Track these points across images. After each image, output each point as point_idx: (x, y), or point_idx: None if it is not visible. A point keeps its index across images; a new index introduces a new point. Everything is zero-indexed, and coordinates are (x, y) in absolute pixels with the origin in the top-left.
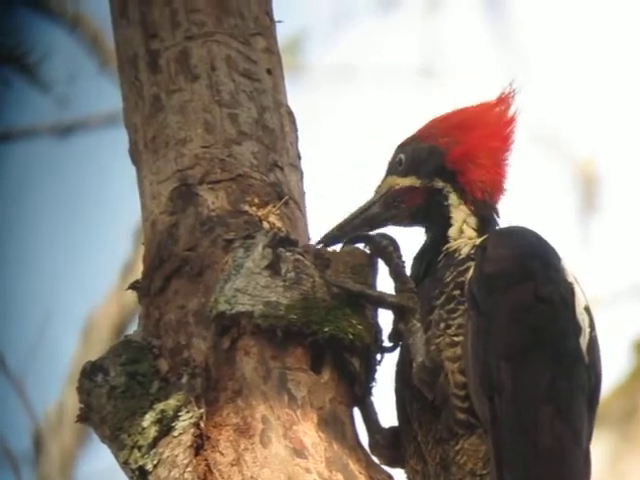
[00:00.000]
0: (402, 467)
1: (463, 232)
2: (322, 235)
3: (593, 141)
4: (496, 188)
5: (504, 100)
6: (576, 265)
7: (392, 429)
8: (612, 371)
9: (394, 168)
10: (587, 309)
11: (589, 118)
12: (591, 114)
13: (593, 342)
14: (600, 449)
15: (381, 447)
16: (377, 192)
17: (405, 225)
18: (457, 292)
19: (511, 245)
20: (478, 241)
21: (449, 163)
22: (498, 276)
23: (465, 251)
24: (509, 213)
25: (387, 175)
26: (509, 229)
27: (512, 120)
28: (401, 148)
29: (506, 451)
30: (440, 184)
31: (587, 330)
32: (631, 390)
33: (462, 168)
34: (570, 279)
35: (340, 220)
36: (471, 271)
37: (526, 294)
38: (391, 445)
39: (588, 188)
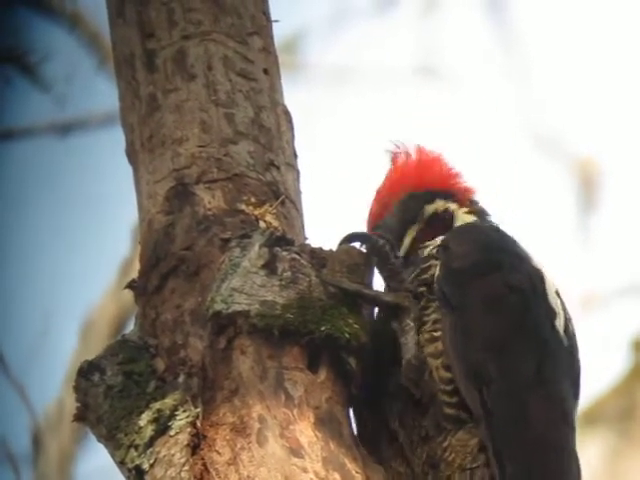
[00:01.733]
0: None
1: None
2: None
3: (593, 140)
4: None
5: (396, 162)
6: (576, 263)
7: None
8: (611, 369)
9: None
10: (558, 294)
11: (589, 117)
12: (591, 113)
13: (569, 326)
14: (599, 447)
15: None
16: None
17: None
18: (423, 289)
19: (474, 240)
20: (439, 241)
21: (426, 188)
22: (465, 270)
23: (427, 251)
24: (509, 212)
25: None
26: (468, 226)
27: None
28: (380, 231)
29: (503, 442)
30: (430, 207)
31: (562, 313)
32: (629, 388)
33: (441, 185)
34: (537, 266)
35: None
36: (436, 269)
37: (496, 284)
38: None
39: (588, 187)
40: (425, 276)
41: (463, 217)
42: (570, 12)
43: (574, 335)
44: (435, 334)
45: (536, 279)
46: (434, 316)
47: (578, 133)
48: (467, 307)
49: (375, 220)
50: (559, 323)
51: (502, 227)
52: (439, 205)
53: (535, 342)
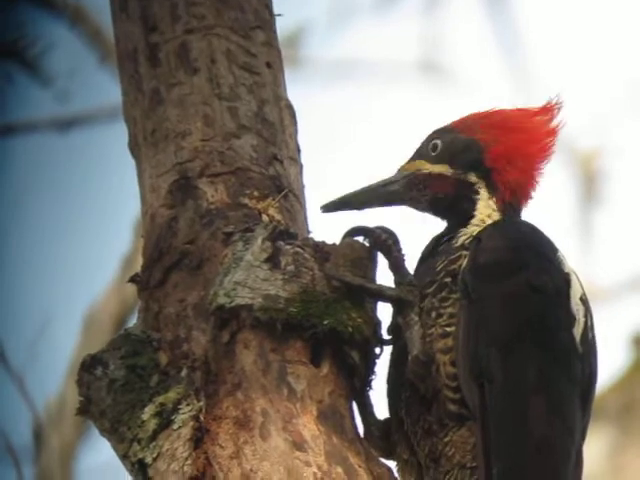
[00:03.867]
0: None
1: (484, 223)
2: (336, 198)
3: (595, 135)
4: (525, 193)
5: (548, 110)
6: (577, 258)
7: (386, 421)
8: (611, 364)
9: (425, 152)
10: (583, 300)
11: (591, 112)
12: (594, 108)
13: (588, 333)
14: (599, 443)
15: (376, 439)
16: (401, 171)
17: (419, 209)
18: (448, 280)
19: (505, 236)
20: (475, 232)
21: (487, 160)
22: (491, 266)
23: (460, 240)
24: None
25: (415, 157)
26: (505, 222)
27: (554, 131)
28: (438, 134)
29: (494, 441)
30: (474, 178)
31: (582, 320)
32: (630, 384)
33: (499, 167)
34: (566, 269)
35: (357, 189)
36: (464, 260)
37: (519, 284)
38: (385, 437)
39: (590, 181)
40: (453, 267)
41: (484, 208)
42: (572, 7)
43: (593, 343)
44: (448, 329)
45: (561, 283)
46: (450, 310)
47: (580, 128)
48: (486, 302)
49: (454, 124)
50: (576, 330)
51: (538, 227)
52: (478, 186)
53: (545, 346)
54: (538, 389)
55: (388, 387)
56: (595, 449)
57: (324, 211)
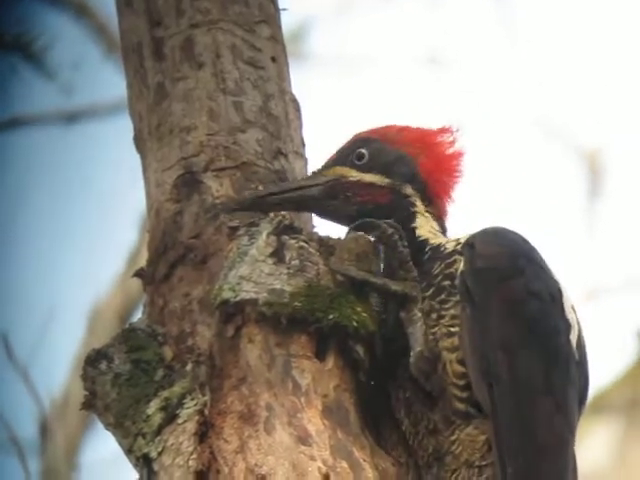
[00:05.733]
0: None
1: (433, 233)
2: (240, 196)
3: (601, 130)
4: (445, 209)
5: (448, 131)
6: (583, 252)
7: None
8: (617, 359)
9: (347, 160)
10: (574, 309)
11: (597, 108)
12: (599, 104)
13: (581, 340)
14: (605, 437)
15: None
16: (318, 175)
17: (340, 220)
18: (447, 283)
19: (499, 243)
20: (462, 238)
21: (421, 173)
22: (490, 271)
23: (450, 246)
24: (517, 202)
25: (333, 163)
26: (493, 229)
27: (460, 153)
28: (361, 143)
29: (507, 442)
30: (410, 190)
31: (576, 327)
32: (636, 378)
33: (431, 181)
34: (556, 279)
35: (271, 187)
36: (460, 264)
37: (518, 289)
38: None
39: (594, 177)
40: (450, 270)
41: (423, 220)
42: (577, 1)
43: (585, 349)
44: (452, 329)
45: (555, 291)
46: (452, 311)
47: (586, 123)
48: (488, 306)
49: (373, 134)
50: (573, 336)
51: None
52: (415, 199)
53: (548, 350)
54: (545, 391)
55: (377, 389)
56: (601, 443)
57: (221, 210)
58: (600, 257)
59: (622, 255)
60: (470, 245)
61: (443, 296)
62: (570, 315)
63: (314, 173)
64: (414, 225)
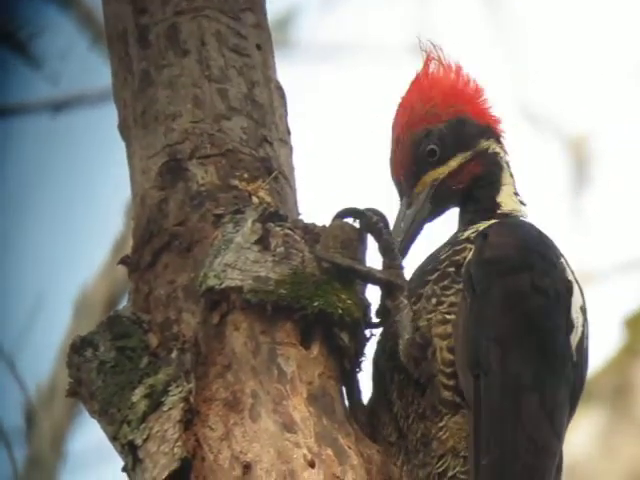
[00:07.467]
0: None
1: (512, 198)
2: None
3: (586, 118)
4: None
5: (450, 69)
6: (569, 240)
7: (371, 406)
8: (604, 347)
9: (425, 162)
10: (583, 310)
11: (582, 95)
12: (584, 91)
13: (583, 343)
14: (591, 425)
15: (361, 425)
16: (418, 194)
17: (453, 206)
18: (452, 269)
19: (513, 235)
20: (481, 227)
21: (481, 121)
22: (497, 262)
23: (467, 233)
24: None
25: (420, 174)
26: (513, 221)
27: (469, 76)
28: (420, 140)
29: (485, 433)
30: (485, 144)
31: (580, 329)
32: (622, 366)
33: (485, 118)
34: (569, 277)
35: (395, 232)
36: (469, 253)
37: (523, 282)
38: (370, 423)
39: (580, 164)
40: (457, 257)
41: (507, 188)
42: None
43: (587, 353)
44: (448, 316)
45: (563, 289)
46: (452, 299)
47: (571, 110)
48: (489, 296)
49: (415, 121)
50: (573, 337)
51: (544, 231)
52: (494, 146)
53: (543, 347)
54: (533, 388)
55: (375, 370)
56: (587, 431)
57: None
58: (586, 245)
59: (608, 243)
60: (484, 235)
61: (446, 282)
62: (576, 316)
63: (406, 200)
64: (501, 184)
